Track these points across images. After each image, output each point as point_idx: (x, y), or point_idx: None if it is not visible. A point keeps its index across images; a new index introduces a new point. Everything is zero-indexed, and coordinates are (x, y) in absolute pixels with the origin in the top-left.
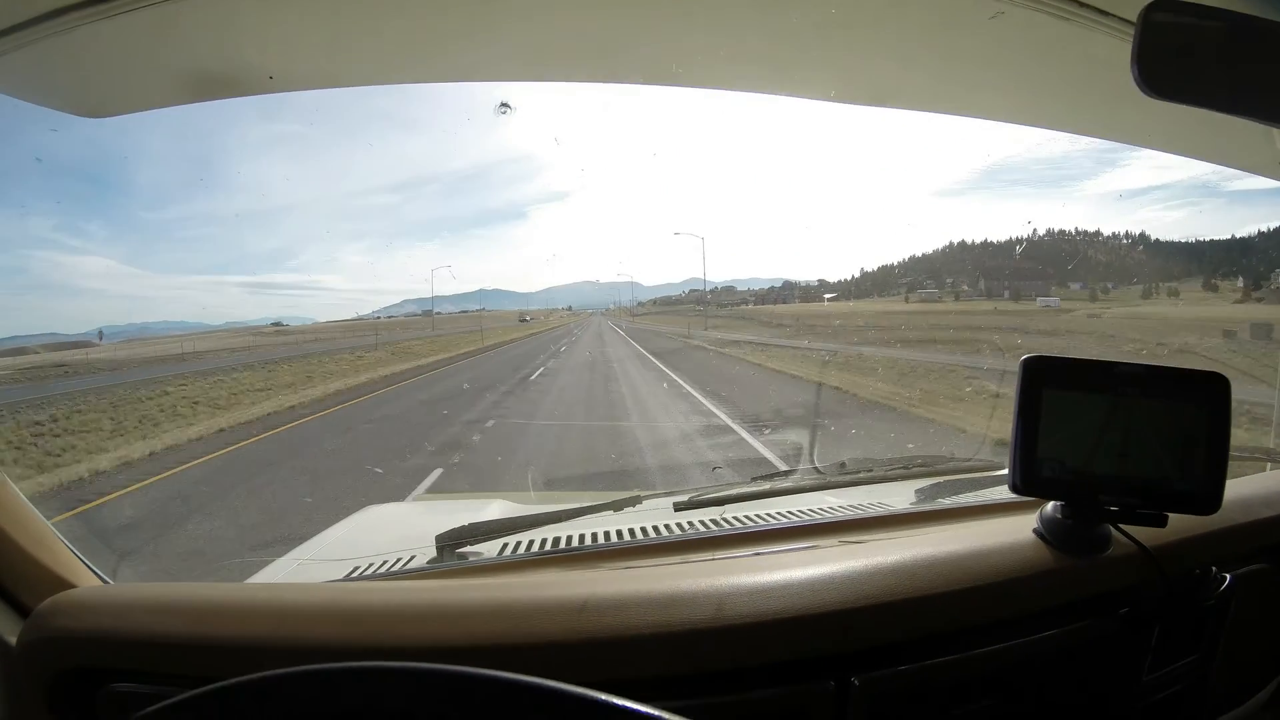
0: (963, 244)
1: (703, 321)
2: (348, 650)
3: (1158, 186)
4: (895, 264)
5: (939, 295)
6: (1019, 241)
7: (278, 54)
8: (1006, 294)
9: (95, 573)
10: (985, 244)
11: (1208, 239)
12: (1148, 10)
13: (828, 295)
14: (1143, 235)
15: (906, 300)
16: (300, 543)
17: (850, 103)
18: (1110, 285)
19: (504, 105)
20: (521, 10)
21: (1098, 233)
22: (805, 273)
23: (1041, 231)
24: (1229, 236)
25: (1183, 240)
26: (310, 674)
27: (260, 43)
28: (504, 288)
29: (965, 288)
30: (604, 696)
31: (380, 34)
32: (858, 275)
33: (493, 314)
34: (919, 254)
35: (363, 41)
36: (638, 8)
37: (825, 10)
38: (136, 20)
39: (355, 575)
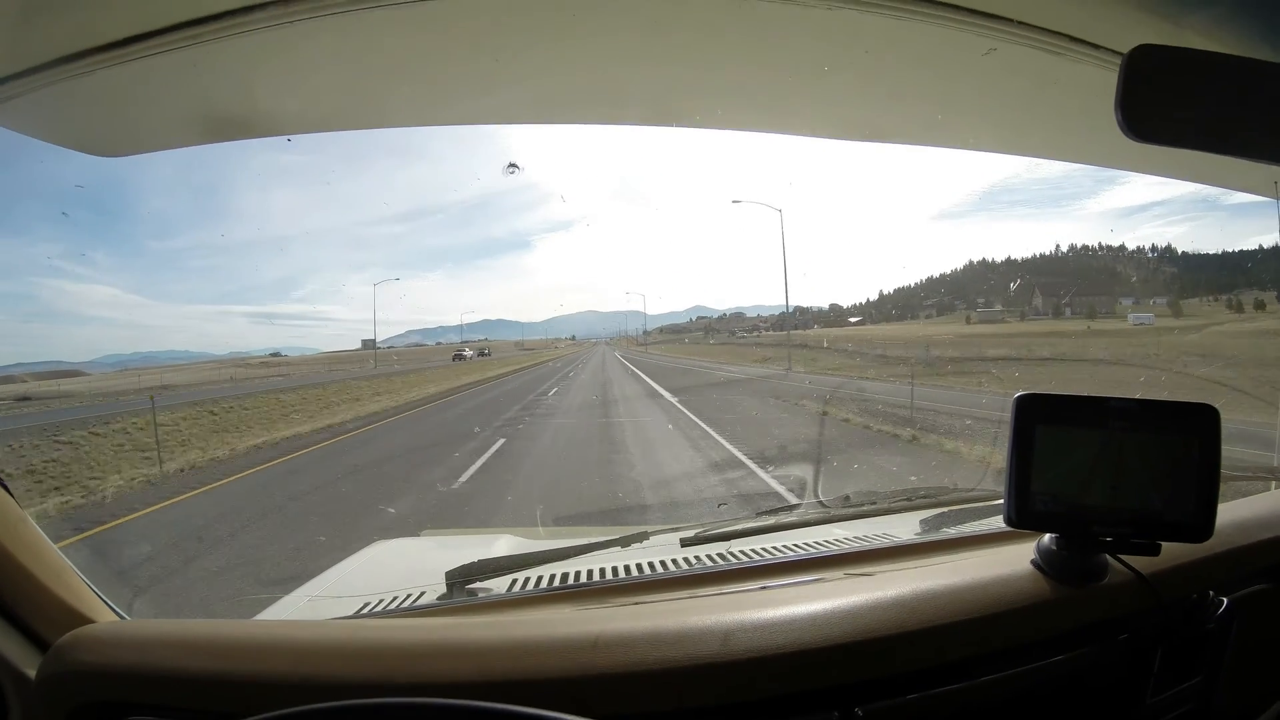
0: (984, 263)
1: (763, 352)
2: (364, 688)
3: (1158, 203)
4: (912, 285)
5: (1002, 314)
6: (1043, 258)
7: (292, 99)
8: (1069, 311)
9: (112, 608)
10: (1009, 262)
11: (1236, 249)
12: (1132, 54)
13: (852, 319)
14: (1169, 248)
15: (969, 321)
16: (310, 579)
17: (849, 139)
18: (1156, 299)
19: (512, 165)
20: (532, 59)
21: (1122, 247)
22: (812, 298)
23: (1064, 248)
24: (1256, 246)
25: (1214, 253)
26: (337, 710)
27: (275, 88)
28: (508, 318)
29: (997, 305)
30: None
31: (393, 82)
32: (874, 298)
33: (492, 343)
34: (935, 275)
35: (376, 89)
36: (645, 55)
37: (823, 53)
38: (152, 65)
39: (366, 611)
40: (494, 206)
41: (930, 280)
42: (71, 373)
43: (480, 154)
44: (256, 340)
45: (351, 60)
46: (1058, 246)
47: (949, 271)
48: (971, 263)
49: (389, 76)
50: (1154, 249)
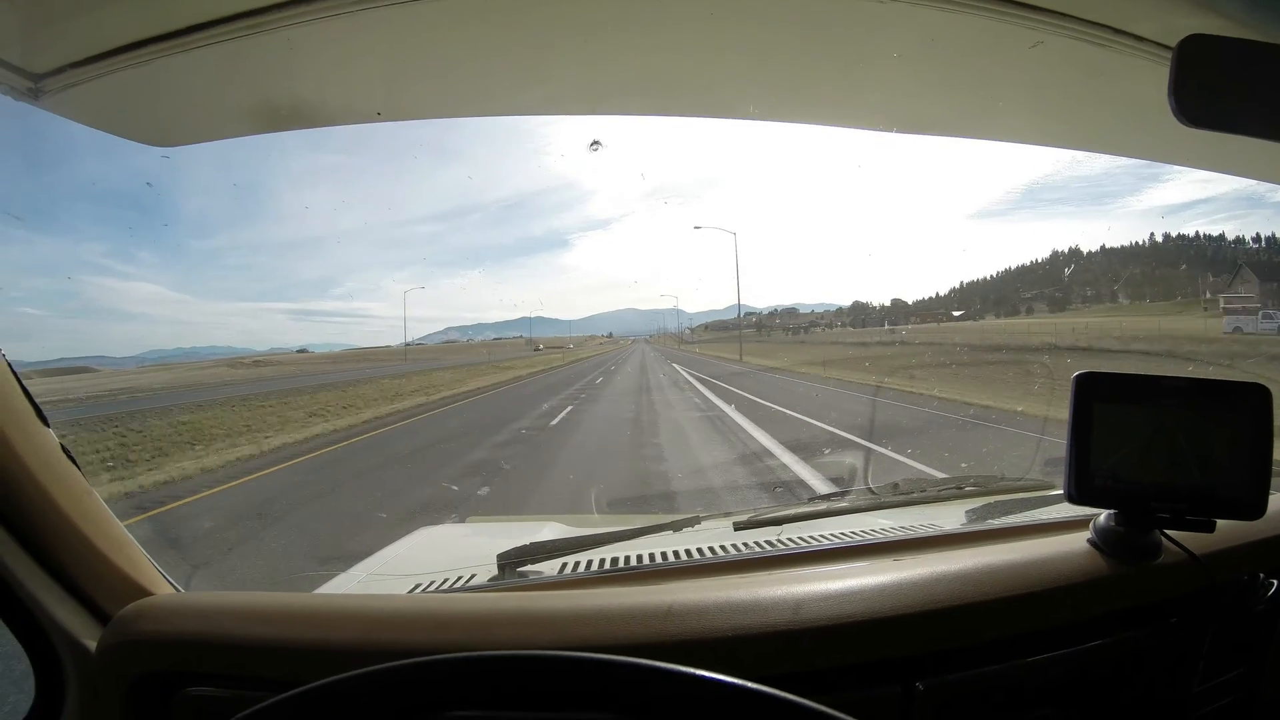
0: (1075, 252)
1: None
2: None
3: (1201, 200)
4: (990, 278)
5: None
6: (1138, 246)
7: (340, 90)
8: None
9: (171, 582)
10: (1105, 251)
11: None
12: (1183, 44)
13: (956, 313)
14: (1274, 238)
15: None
16: (359, 559)
17: (896, 131)
18: None
19: (595, 143)
20: (583, 50)
21: (1222, 236)
22: (869, 294)
23: (1174, 234)
24: None
25: None
26: (427, 665)
27: (326, 79)
28: (547, 315)
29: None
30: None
31: (444, 73)
32: (943, 293)
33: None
34: (1012, 267)
35: (428, 80)
36: (689, 45)
37: (872, 43)
38: (209, 54)
39: (418, 591)
40: (532, 205)
41: (1008, 273)
42: (80, 369)
43: (519, 152)
44: (297, 337)
45: (405, 51)
46: (1152, 235)
47: (1029, 263)
48: (1057, 253)
49: (440, 68)
50: (1257, 238)
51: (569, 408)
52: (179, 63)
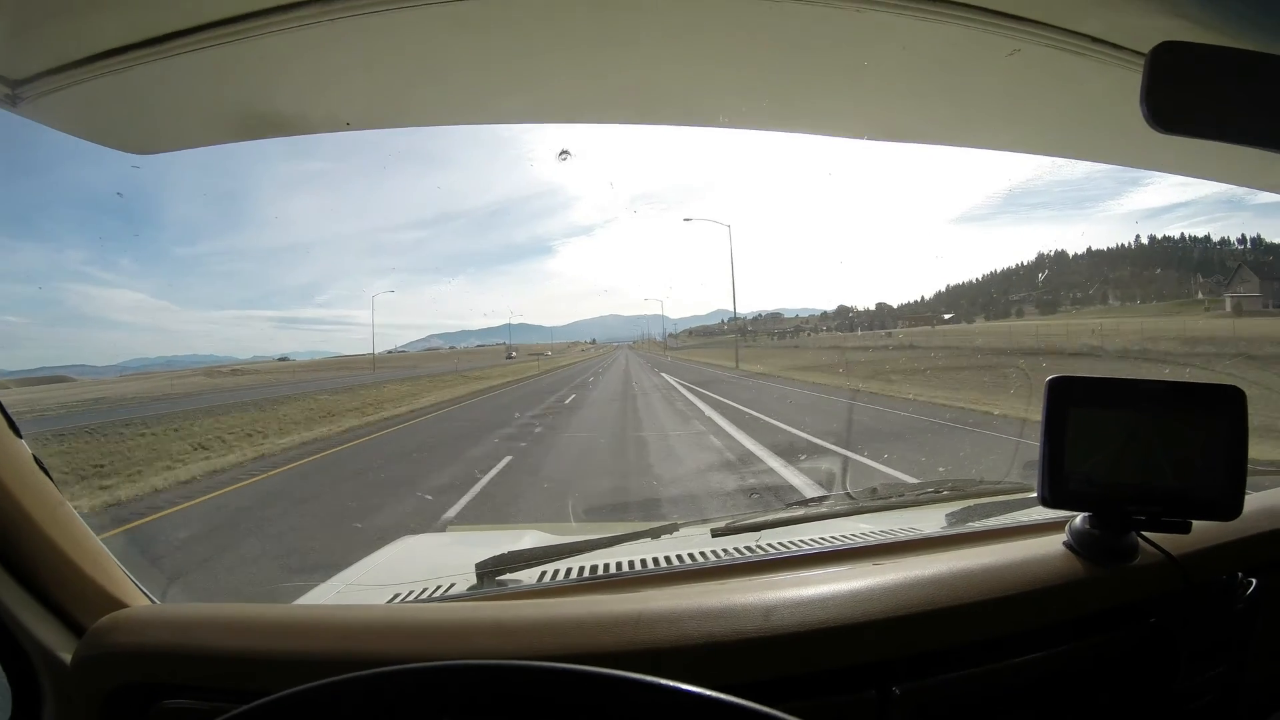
0: (1060, 254)
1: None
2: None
3: (1182, 204)
4: (976, 280)
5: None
6: (1121, 249)
7: (322, 97)
8: None
9: (146, 594)
10: (1092, 252)
11: None
12: (1156, 50)
13: (946, 315)
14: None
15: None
16: (339, 570)
17: (874, 139)
18: None
19: (564, 152)
20: (563, 59)
21: (1207, 238)
22: (853, 298)
23: (1159, 236)
24: None
25: None
26: (400, 674)
27: (307, 86)
28: (530, 322)
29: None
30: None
31: (425, 82)
32: (928, 297)
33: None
34: (998, 270)
35: (407, 89)
36: (671, 56)
37: (852, 55)
38: (188, 62)
39: (397, 601)
40: (517, 211)
41: (993, 276)
42: (57, 378)
43: (504, 158)
44: (281, 344)
45: (384, 60)
46: (1137, 237)
47: (1014, 266)
48: (1043, 256)
49: (419, 77)
50: (1242, 239)
51: (507, 458)
52: (158, 70)
